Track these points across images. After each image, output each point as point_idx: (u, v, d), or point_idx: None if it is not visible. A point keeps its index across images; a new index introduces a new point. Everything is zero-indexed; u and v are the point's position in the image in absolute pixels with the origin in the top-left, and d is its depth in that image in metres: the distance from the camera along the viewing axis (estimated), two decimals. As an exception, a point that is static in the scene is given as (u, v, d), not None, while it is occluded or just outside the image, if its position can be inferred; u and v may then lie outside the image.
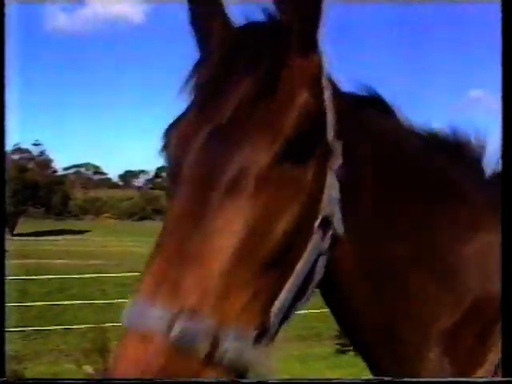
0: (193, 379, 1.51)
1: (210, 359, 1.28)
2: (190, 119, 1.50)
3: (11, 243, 44.65)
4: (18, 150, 79.51)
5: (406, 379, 1.72)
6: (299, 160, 1.44)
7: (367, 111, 1.82)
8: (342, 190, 1.57)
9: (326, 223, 1.51)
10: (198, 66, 1.60)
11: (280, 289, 1.43)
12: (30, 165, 77.17)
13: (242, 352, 1.32)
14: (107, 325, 11.42)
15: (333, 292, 1.77)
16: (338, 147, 1.55)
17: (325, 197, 1.51)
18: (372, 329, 1.78)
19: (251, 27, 1.62)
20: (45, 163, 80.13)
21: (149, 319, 1.26)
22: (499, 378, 1.64)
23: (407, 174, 1.81)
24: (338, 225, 1.55)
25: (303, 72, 1.54)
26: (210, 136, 1.42)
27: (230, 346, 1.30)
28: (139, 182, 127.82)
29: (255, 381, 1.38)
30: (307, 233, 1.48)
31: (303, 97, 1.48)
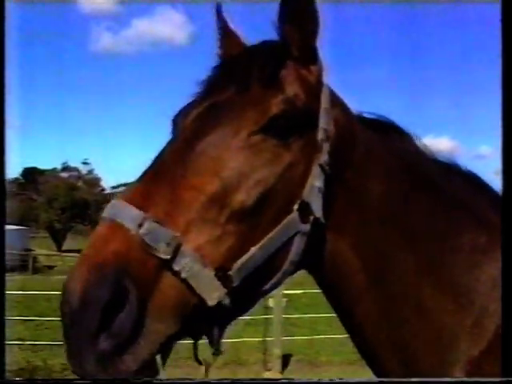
0: (192, 379, 1.69)
1: (167, 264, 1.45)
2: (195, 102, 1.79)
3: (59, 259, 45.96)
4: (66, 168, 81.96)
5: (406, 379, 1.74)
6: (281, 137, 1.67)
7: (382, 133, 1.97)
8: (346, 190, 1.80)
9: (306, 207, 1.68)
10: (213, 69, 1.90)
11: (249, 246, 1.58)
12: (79, 183, 79.25)
13: (198, 276, 1.48)
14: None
15: (336, 294, 1.88)
16: (325, 147, 1.74)
17: (307, 184, 1.70)
18: (377, 329, 1.82)
19: (260, 43, 1.90)
20: (93, 182, 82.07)
21: (123, 215, 1.47)
22: (499, 378, 1.65)
23: (419, 191, 1.91)
24: (317, 211, 1.70)
25: (302, 78, 1.79)
26: (206, 109, 1.71)
27: (189, 264, 1.47)
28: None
29: (255, 380, 1.42)
30: (284, 210, 1.66)
31: (293, 89, 1.74)
